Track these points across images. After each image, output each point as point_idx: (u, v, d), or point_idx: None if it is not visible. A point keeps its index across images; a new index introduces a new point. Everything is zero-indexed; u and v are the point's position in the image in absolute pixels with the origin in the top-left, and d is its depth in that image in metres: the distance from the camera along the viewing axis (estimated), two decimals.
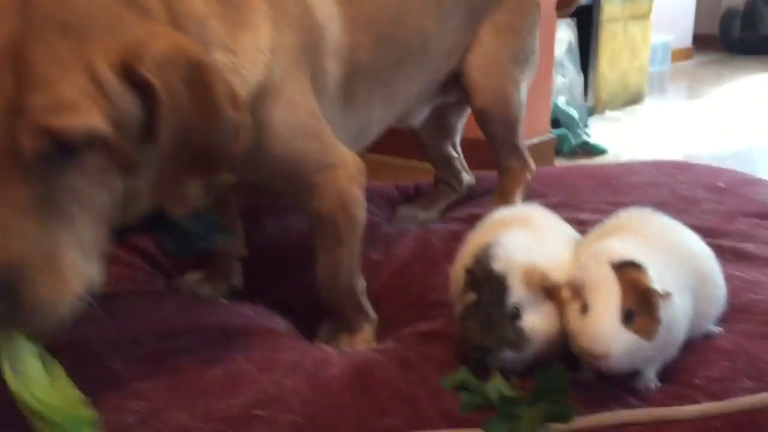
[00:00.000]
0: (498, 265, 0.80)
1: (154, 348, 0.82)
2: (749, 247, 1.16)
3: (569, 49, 3.23)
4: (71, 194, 0.65)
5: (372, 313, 1.01)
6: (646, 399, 0.77)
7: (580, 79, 3.35)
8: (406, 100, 1.20)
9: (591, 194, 1.45)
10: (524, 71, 1.32)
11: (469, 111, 1.40)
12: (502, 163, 1.34)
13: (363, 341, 0.97)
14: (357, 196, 0.94)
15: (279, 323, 1.00)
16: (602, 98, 3.63)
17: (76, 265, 0.65)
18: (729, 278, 0.97)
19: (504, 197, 1.32)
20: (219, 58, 0.78)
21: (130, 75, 0.66)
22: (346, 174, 0.93)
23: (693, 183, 1.49)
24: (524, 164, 1.35)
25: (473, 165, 1.55)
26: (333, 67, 0.96)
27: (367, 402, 0.75)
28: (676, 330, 0.79)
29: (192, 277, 1.15)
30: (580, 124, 3.01)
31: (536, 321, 0.79)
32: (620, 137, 3.22)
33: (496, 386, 0.75)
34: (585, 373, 0.80)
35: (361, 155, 1.00)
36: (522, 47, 1.30)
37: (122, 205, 0.70)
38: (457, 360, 0.84)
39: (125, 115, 0.67)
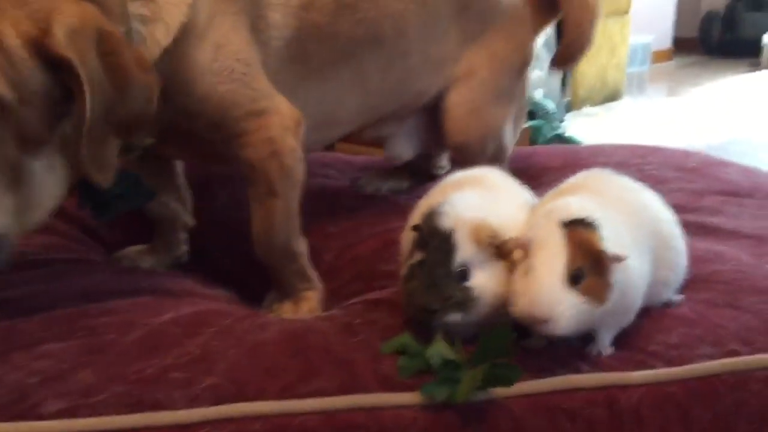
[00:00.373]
0: (445, 222, 0.75)
1: (72, 310, 0.76)
2: (715, 221, 1.12)
3: (546, 43, 3.19)
4: None
5: (317, 282, 0.96)
6: (598, 365, 0.72)
7: (558, 73, 3.32)
8: (382, 95, 1.11)
9: (559, 174, 1.39)
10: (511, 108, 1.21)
11: None
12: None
13: (307, 310, 0.91)
14: (291, 145, 0.89)
15: (220, 292, 0.94)
16: (580, 94, 3.61)
17: None
18: (694, 250, 0.93)
19: None
20: (137, 10, 0.77)
21: (43, 52, 0.66)
22: (280, 122, 0.88)
23: (662, 164, 1.45)
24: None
25: None
26: (279, 19, 0.91)
27: (298, 365, 0.70)
28: (632, 294, 0.74)
29: (133, 250, 1.09)
30: (556, 118, 2.98)
31: (485, 281, 0.74)
32: (597, 132, 3.20)
33: (439, 350, 0.70)
34: (537, 340, 0.75)
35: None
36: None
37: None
38: (404, 327, 0.78)
39: (33, 89, 0.68)
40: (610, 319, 0.73)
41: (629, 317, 0.76)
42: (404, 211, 1.16)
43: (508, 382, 0.67)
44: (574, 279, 0.67)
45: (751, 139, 3.15)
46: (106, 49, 0.70)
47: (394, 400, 0.66)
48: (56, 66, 0.68)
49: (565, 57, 1.26)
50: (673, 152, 1.60)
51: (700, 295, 0.87)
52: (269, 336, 0.75)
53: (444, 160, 1.40)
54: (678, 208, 1.06)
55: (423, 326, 0.74)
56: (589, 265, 0.68)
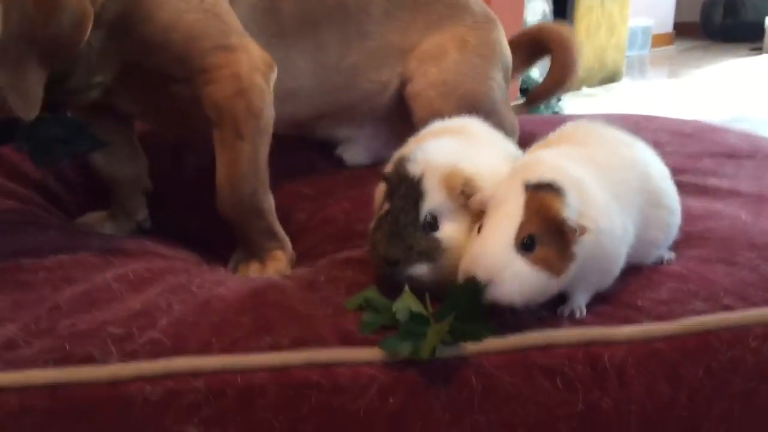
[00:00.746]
0: (414, 168, 0.69)
1: (7, 264, 0.70)
2: (712, 181, 1.05)
3: (543, 20, 3.13)
4: None
5: (287, 241, 0.89)
6: (579, 322, 0.66)
7: None
8: (339, 75, 1.04)
9: None
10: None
11: None
12: None
13: (275, 270, 0.85)
14: (260, 85, 0.83)
15: (182, 253, 0.88)
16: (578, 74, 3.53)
17: None
18: (687, 209, 0.87)
19: None
20: None
21: None
22: (249, 61, 0.82)
23: (657, 129, 1.39)
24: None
25: None
26: None
27: (251, 321, 0.63)
28: (609, 258, 0.67)
29: (93, 216, 1.03)
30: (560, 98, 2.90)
31: (456, 233, 0.67)
32: (595, 112, 3.12)
33: (406, 303, 0.64)
34: None
35: None
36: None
37: None
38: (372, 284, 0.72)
39: None
40: (583, 282, 0.67)
41: (607, 281, 0.69)
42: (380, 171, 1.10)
43: (479, 337, 0.61)
44: (525, 246, 0.61)
45: (754, 117, 3.08)
46: None
47: (351, 356, 0.60)
48: None
49: (545, 94, 1.25)
50: (669, 120, 1.53)
51: (693, 252, 0.80)
52: (223, 292, 0.69)
53: None
54: (673, 171, 1.01)
55: (390, 282, 0.67)
56: (546, 232, 0.61)
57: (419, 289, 0.65)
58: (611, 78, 3.85)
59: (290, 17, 0.96)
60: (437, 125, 0.84)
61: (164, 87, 0.85)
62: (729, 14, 6.02)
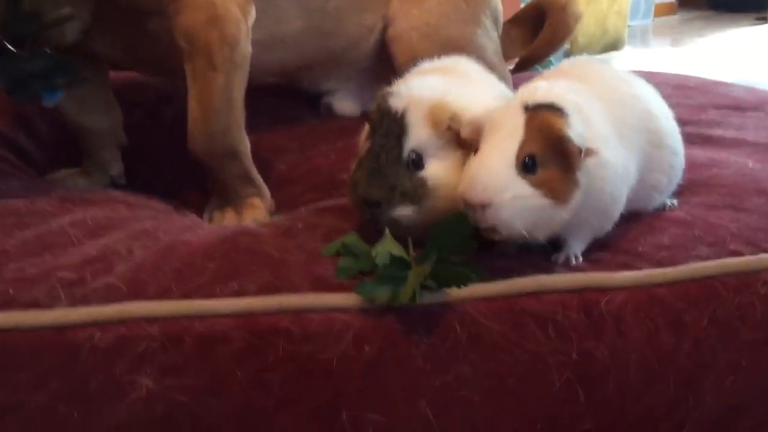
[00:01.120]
0: (396, 102, 0.63)
1: None
2: (717, 131, 1.00)
3: None
4: None
5: (264, 189, 0.83)
6: (574, 268, 0.61)
7: None
8: (323, 19, 0.97)
9: None
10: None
11: None
12: None
13: (252, 219, 0.79)
14: (235, 15, 0.77)
15: (155, 202, 0.83)
16: (579, 41, 3.45)
17: None
18: (692, 158, 0.82)
19: None
20: None
21: None
22: None
23: (660, 83, 1.32)
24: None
25: None
26: None
27: (217, 267, 0.58)
28: (609, 197, 0.62)
29: (66, 172, 0.97)
30: (554, 64, 2.84)
31: (442, 171, 0.62)
32: None
33: (387, 248, 0.59)
34: (507, 246, 0.63)
35: None
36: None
37: None
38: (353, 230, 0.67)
39: None
40: (581, 225, 0.61)
41: (605, 226, 0.64)
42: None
43: (465, 282, 0.56)
44: (526, 167, 0.56)
45: (759, 84, 3.02)
46: None
47: (324, 302, 0.55)
48: None
49: (537, 55, 1.23)
50: (672, 74, 1.47)
51: (698, 199, 0.75)
52: (191, 238, 0.64)
53: None
54: (677, 123, 0.95)
55: (372, 227, 0.62)
56: (549, 153, 0.56)
57: (402, 234, 0.60)
58: (613, 45, 3.77)
59: None
60: (426, 64, 0.79)
61: (140, 24, 0.79)
62: None
